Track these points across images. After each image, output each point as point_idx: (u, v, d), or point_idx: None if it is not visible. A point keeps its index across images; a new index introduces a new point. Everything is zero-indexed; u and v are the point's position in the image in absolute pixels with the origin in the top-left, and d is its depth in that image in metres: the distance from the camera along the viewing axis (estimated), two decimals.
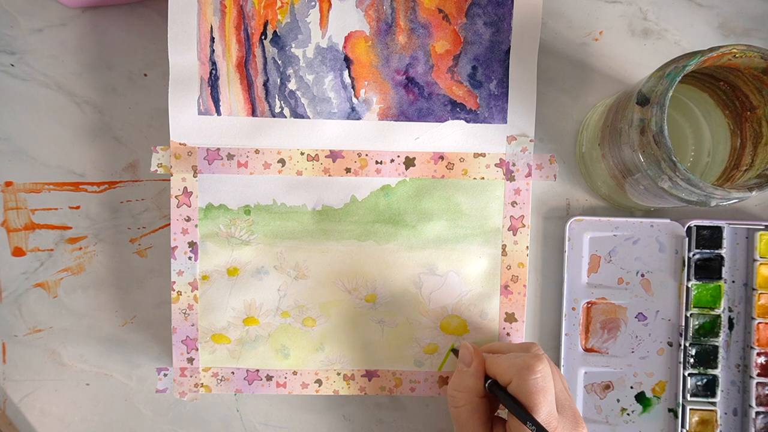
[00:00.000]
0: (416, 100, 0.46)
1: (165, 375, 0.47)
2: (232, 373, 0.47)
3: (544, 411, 0.37)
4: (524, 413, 0.37)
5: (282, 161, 0.46)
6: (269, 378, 0.47)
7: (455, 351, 0.46)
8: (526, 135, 0.46)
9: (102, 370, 0.49)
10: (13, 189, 0.48)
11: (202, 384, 0.47)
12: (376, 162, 0.46)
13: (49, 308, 0.48)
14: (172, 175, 0.45)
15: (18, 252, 0.48)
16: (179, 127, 0.45)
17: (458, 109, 0.46)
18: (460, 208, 0.46)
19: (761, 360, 0.46)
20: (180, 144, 0.45)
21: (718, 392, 0.46)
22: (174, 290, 0.46)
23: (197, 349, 0.46)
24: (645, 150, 0.36)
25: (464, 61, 0.45)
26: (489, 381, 0.40)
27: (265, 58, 0.45)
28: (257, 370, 0.47)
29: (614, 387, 0.47)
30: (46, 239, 0.48)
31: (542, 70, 0.47)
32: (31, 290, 0.48)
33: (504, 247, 0.46)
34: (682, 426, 0.46)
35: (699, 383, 0.46)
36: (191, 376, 0.46)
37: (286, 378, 0.47)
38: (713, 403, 0.46)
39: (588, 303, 0.47)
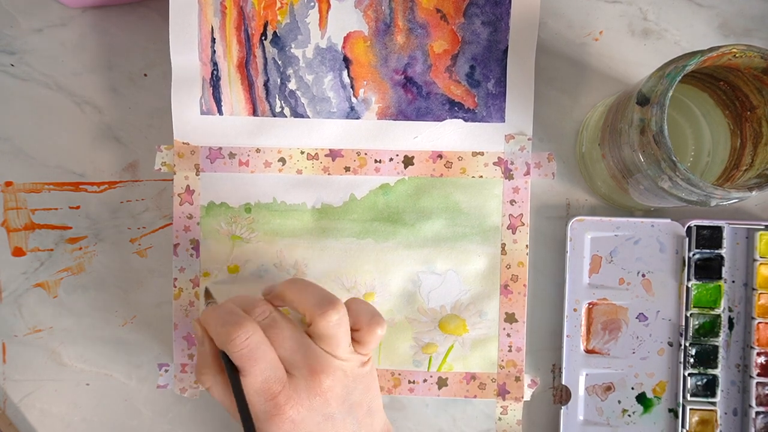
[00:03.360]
0: (415, 100, 0.46)
1: (166, 371, 0.47)
2: None
3: (256, 381, 0.36)
4: (239, 396, 0.36)
5: (282, 160, 0.46)
6: None
7: (207, 292, 0.44)
8: (524, 134, 0.46)
9: (102, 370, 0.49)
10: (13, 189, 0.48)
11: None
12: (375, 161, 0.46)
13: (49, 308, 0.48)
14: (175, 174, 0.46)
15: (18, 252, 0.48)
16: (182, 127, 0.46)
17: (456, 108, 0.46)
18: (458, 206, 0.46)
19: (761, 360, 0.46)
20: (183, 143, 0.46)
21: (718, 392, 0.46)
22: (175, 287, 0.46)
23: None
24: (645, 150, 0.36)
25: (462, 60, 0.45)
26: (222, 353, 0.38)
27: (265, 58, 0.45)
28: None
29: (615, 388, 0.47)
30: (46, 239, 0.48)
31: (542, 69, 0.47)
32: (31, 290, 0.48)
33: (503, 245, 0.46)
34: (682, 426, 0.46)
35: (699, 383, 0.46)
36: (192, 373, 0.47)
37: None
38: (713, 403, 0.46)
39: (590, 304, 0.47)
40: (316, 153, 0.46)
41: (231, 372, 0.37)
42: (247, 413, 0.36)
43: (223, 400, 0.38)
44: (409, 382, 0.47)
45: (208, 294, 0.43)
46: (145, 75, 0.48)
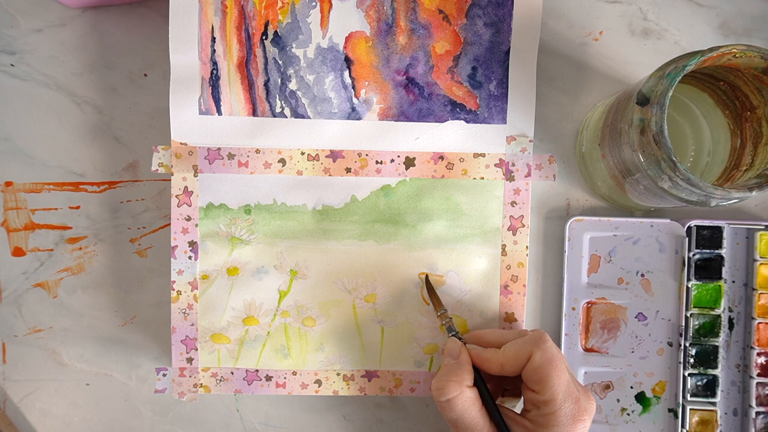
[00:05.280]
0: (416, 101, 0.46)
1: (164, 375, 0.47)
2: (232, 373, 0.47)
3: (564, 379, 0.38)
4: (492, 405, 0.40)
5: (282, 161, 0.46)
6: (269, 378, 0.47)
7: (428, 280, 0.46)
8: (526, 135, 0.46)
9: (102, 370, 0.49)
10: (13, 189, 0.48)
11: (201, 384, 0.46)
12: (377, 162, 0.46)
13: (49, 308, 0.48)
14: (172, 175, 0.45)
15: (18, 252, 0.48)
16: (180, 127, 0.45)
17: (458, 109, 0.46)
18: (459, 207, 0.46)
19: (761, 360, 0.46)
20: (181, 143, 0.45)
21: (718, 392, 0.46)
22: (174, 290, 0.46)
23: (197, 349, 0.46)
24: (645, 150, 0.36)
25: (464, 61, 0.45)
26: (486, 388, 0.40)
27: (266, 58, 0.45)
28: (257, 371, 0.47)
29: (614, 387, 0.47)
30: (46, 239, 0.48)
31: (542, 70, 0.47)
32: (31, 290, 0.48)
33: (504, 247, 0.46)
34: (682, 426, 0.46)
35: (699, 383, 0.46)
36: (190, 376, 0.46)
37: (285, 378, 0.47)
38: (713, 403, 0.46)
39: (588, 303, 0.47)
40: (317, 154, 0.46)
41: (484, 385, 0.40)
42: (505, 425, 0.39)
43: (462, 412, 0.39)
44: (410, 382, 0.47)
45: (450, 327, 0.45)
46: (145, 75, 0.48)
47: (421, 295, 0.47)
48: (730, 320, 0.47)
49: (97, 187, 0.48)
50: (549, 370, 0.38)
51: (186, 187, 0.46)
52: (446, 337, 0.46)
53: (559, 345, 0.47)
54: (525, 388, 0.40)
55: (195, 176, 0.46)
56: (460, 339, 0.43)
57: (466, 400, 0.39)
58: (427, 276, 0.46)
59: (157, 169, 0.46)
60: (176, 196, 0.46)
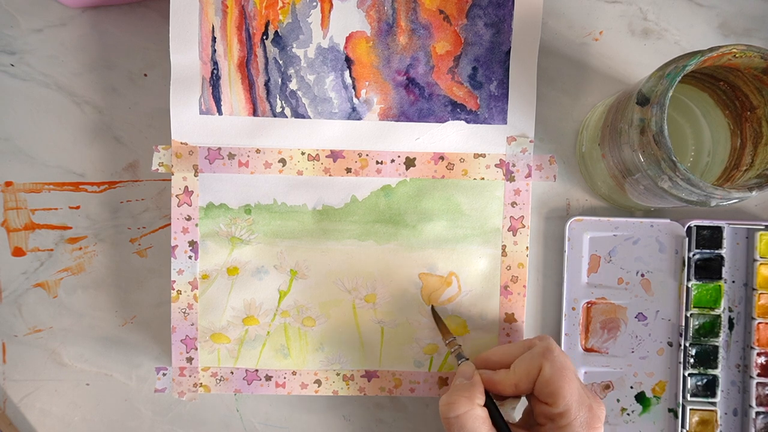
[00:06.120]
0: (417, 101, 0.46)
1: (164, 374, 0.47)
2: (231, 372, 0.47)
3: (575, 388, 0.37)
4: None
5: (283, 161, 0.46)
6: (268, 378, 0.47)
7: (434, 310, 0.47)
8: (526, 136, 0.46)
9: (102, 370, 0.49)
10: (13, 189, 0.48)
11: (201, 384, 0.46)
12: (377, 162, 0.46)
13: (49, 308, 0.48)
14: (173, 174, 0.45)
15: (18, 252, 0.48)
16: (180, 127, 0.45)
17: (458, 109, 0.46)
18: (460, 208, 0.46)
19: (761, 360, 0.46)
20: (181, 143, 0.45)
21: (718, 392, 0.46)
22: (174, 289, 0.46)
23: (196, 349, 0.46)
24: (645, 150, 0.36)
25: (465, 62, 0.45)
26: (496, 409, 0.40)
27: (266, 58, 0.45)
28: (256, 370, 0.47)
29: (614, 387, 0.47)
30: (46, 239, 0.48)
31: (542, 70, 0.47)
32: (31, 290, 0.48)
33: (504, 247, 0.46)
34: (682, 426, 0.46)
35: (699, 383, 0.46)
36: (190, 376, 0.46)
37: (285, 378, 0.47)
38: (713, 403, 0.46)
39: (588, 303, 0.47)
40: (317, 154, 0.46)
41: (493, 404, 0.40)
42: None
43: (474, 430, 0.38)
44: (410, 382, 0.47)
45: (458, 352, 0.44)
46: (145, 75, 0.48)
47: (420, 295, 0.47)
48: (730, 320, 0.47)
49: (97, 187, 0.48)
50: (561, 382, 0.37)
51: (186, 187, 0.46)
52: (440, 335, 0.46)
53: (559, 345, 0.47)
54: (536, 402, 0.39)
55: (195, 176, 0.46)
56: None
57: (477, 419, 0.38)
58: (432, 306, 0.46)
59: (158, 169, 0.46)
60: (176, 195, 0.46)
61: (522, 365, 0.39)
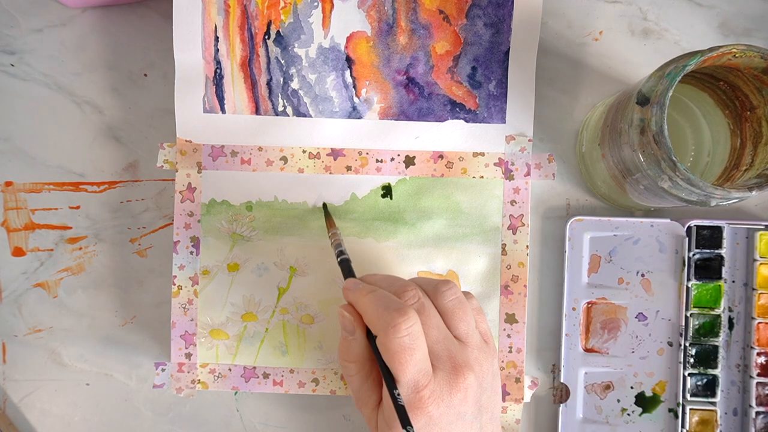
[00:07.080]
0: (416, 100, 0.46)
1: (163, 370, 0.47)
2: (229, 369, 0.47)
3: (410, 372, 0.34)
4: (388, 378, 0.35)
5: (284, 159, 0.46)
6: (266, 376, 0.47)
7: (325, 207, 0.46)
8: (525, 135, 0.46)
9: (102, 370, 0.49)
10: (13, 189, 0.48)
11: (198, 380, 0.47)
12: (377, 160, 0.46)
13: (49, 308, 0.48)
14: (177, 171, 0.46)
15: (18, 252, 0.48)
16: (185, 125, 0.46)
17: (458, 109, 0.46)
18: (459, 206, 0.46)
19: (761, 360, 0.46)
20: (186, 141, 0.46)
21: (718, 392, 0.46)
22: (175, 284, 0.46)
23: (195, 345, 0.46)
24: (645, 150, 0.36)
25: (464, 61, 0.46)
26: (375, 338, 0.36)
27: (268, 57, 0.45)
28: (254, 368, 0.47)
29: (614, 387, 0.47)
30: (46, 239, 0.48)
31: (542, 70, 0.47)
32: (31, 290, 0.48)
33: (504, 246, 0.46)
34: (682, 426, 0.46)
35: (699, 383, 0.46)
36: (188, 372, 0.47)
37: (283, 376, 0.47)
38: (713, 403, 0.46)
39: (588, 303, 0.47)
40: (318, 152, 0.46)
41: (383, 366, 0.35)
42: (401, 406, 0.34)
43: (359, 387, 0.37)
44: None
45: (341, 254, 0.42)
46: (146, 75, 0.48)
47: None
48: (730, 320, 0.47)
49: (97, 187, 0.48)
50: (393, 364, 0.34)
51: (189, 184, 0.46)
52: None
53: (559, 346, 0.47)
54: None
55: (199, 173, 0.46)
56: (348, 262, 0.41)
57: (365, 378, 0.37)
58: (324, 204, 0.46)
59: (163, 166, 0.46)
60: (180, 192, 0.46)
61: (374, 318, 0.36)
